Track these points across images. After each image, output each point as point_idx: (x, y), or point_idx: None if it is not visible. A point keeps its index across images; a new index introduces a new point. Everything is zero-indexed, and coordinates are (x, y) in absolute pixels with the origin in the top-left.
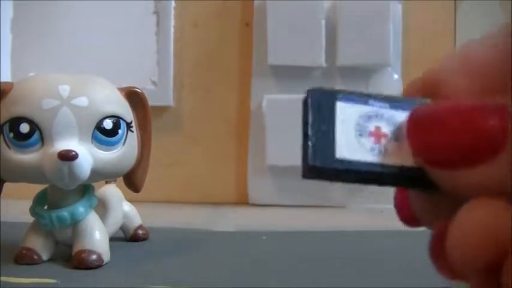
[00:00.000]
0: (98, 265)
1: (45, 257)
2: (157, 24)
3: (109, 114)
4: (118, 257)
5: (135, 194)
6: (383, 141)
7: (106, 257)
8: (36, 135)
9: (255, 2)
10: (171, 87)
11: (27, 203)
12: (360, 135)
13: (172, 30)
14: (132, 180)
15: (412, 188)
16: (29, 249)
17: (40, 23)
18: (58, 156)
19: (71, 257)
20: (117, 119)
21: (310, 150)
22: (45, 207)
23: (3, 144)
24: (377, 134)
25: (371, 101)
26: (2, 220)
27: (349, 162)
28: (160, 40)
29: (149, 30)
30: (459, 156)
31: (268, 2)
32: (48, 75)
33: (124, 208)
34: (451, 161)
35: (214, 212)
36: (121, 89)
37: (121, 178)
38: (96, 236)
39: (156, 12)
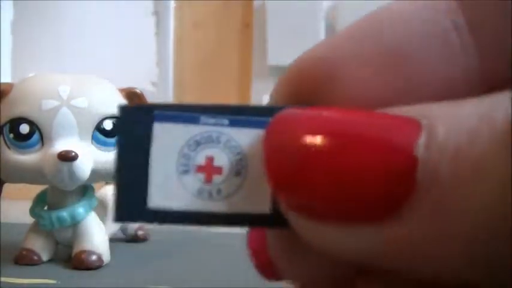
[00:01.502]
0: (97, 266)
1: (45, 258)
2: (157, 24)
3: (109, 115)
4: (118, 258)
5: None
6: (216, 179)
7: (106, 257)
8: (36, 136)
9: (254, 2)
10: (170, 88)
11: (28, 204)
12: (185, 171)
13: (172, 30)
14: None
15: (266, 228)
16: (29, 250)
17: (40, 24)
18: (58, 157)
19: (71, 257)
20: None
21: (116, 196)
22: (45, 208)
23: (3, 145)
24: (208, 169)
25: (204, 118)
26: (2, 221)
27: (165, 213)
28: (160, 41)
29: (149, 30)
30: (338, 204)
31: (268, 2)
32: (48, 75)
33: None
34: (326, 211)
35: None
36: (121, 90)
37: None
38: (96, 236)
39: (156, 13)
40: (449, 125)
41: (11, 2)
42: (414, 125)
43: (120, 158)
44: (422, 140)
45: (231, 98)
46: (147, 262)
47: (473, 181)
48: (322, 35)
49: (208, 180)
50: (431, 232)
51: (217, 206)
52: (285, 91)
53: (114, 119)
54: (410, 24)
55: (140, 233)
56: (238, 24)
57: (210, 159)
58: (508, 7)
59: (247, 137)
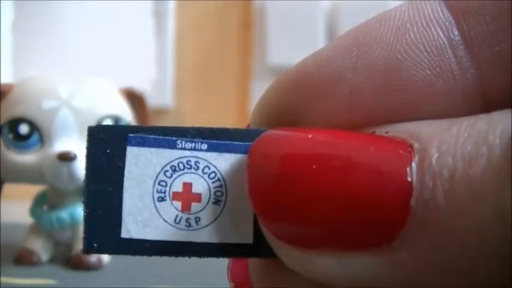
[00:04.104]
0: (97, 266)
1: (44, 258)
2: (157, 24)
3: (108, 115)
4: (117, 258)
5: None
6: (195, 206)
7: (105, 258)
8: (35, 136)
9: (254, 2)
10: (170, 88)
11: (28, 204)
12: (161, 198)
13: (172, 31)
14: None
15: (248, 258)
16: (28, 250)
17: (41, 24)
18: (57, 157)
19: (71, 258)
20: (116, 120)
21: (85, 226)
22: (45, 208)
23: (3, 145)
24: (186, 196)
25: (180, 142)
26: (2, 221)
27: (140, 243)
28: (160, 41)
29: (149, 31)
30: (331, 233)
31: (268, 2)
32: (48, 76)
33: None
34: (316, 240)
35: None
36: (120, 90)
37: None
38: None
39: (156, 13)
40: (443, 148)
41: (12, 2)
42: (406, 149)
43: (90, 183)
44: (414, 165)
45: (230, 98)
46: (147, 262)
47: (470, 209)
48: (322, 35)
49: (186, 208)
50: (429, 261)
51: (196, 236)
52: (269, 107)
53: (114, 119)
54: (405, 40)
55: None
56: (238, 24)
57: (188, 186)
58: (504, 21)
59: (226, 162)
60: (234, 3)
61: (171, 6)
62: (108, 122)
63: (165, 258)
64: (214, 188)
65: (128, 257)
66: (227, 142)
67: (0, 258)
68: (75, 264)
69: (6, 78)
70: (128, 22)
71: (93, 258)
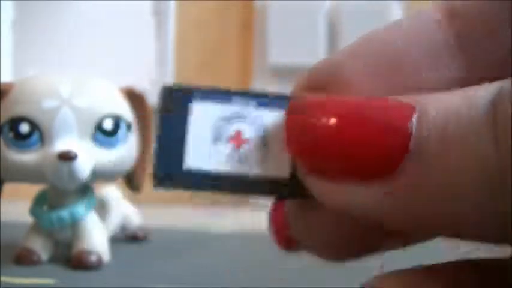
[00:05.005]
0: (97, 265)
1: (44, 258)
2: (157, 24)
3: (109, 115)
4: (118, 258)
5: (135, 194)
6: (244, 147)
7: (106, 257)
8: (35, 136)
9: (255, 2)
10: None
11: (27, 204)
12: (217, 140)
13: (172, 30)
14: (132, 180)
15: (284, 198)
16: (28, 250)
17: (41, 23)
18: (58, 157)
19: (71, 257)
20: (117, 119)
21: (155, 159)
22: (45, 207)
23: (3, 145)
24: (237, 139)
25: (235, 99)
26: (2, 220)
27: (199, 173)
28: (161, 40)
29: (149, 30)
30: (346, 166)
31: (269, 2)
32: (49, 75)
33: (124, 208)
34: (336, 171)
35: (214, 212)
36: (121, 89)
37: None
38: (96, 236)
39: (156, 13)
40: (439, 107)
41: (12, 1)
42: (408, 107)
43: (161, 129)
44: (414, 120)
45: None
46: (147, 262)
47: (460, 151)
48: (322, 35)
49: (237, 148)
50: (422, 186)
51: (245, 169)
52: (303, 86)
53: (114, 119)
54: (409, 42)
55: (140, 232)
56: (239, 24)
57: (239, 132)
58: (494, 23)
59: (270, 117)
60: (235, 3)
61: (172, 6)
62: (108, 121)
63: (164, 258)
64: (260, 135)
65: (127, 257)
66: (271, 101)
67: (0, 257)
68: (75, 263)
69: (7, 77)
70: (128, 22)
71: (93, 258)
